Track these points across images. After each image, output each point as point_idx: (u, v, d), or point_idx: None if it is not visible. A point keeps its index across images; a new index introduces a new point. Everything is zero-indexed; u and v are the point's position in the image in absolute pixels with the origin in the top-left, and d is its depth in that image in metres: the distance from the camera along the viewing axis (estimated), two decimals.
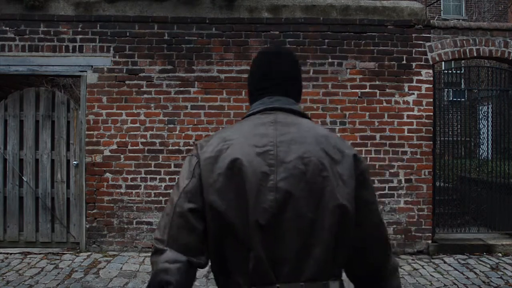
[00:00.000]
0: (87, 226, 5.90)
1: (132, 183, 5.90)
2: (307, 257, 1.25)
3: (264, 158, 1.27)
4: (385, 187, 5.98)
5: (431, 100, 6.05)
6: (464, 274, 5.26)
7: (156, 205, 5.90)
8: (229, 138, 1.32)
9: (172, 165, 5.91)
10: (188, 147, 5.91)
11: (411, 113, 6.01)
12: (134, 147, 5.91)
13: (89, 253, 5.80)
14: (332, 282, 1.27)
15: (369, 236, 1.36)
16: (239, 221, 1.24)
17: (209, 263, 1.35)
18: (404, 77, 6.03)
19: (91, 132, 5.90)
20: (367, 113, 5.99)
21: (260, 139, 1.30)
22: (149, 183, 5.91)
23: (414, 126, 6.01)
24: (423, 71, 6.03)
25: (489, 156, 7.28)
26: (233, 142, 1.30)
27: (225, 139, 1.32)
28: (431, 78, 6.05)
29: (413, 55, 6.03)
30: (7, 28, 5.86)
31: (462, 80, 8.47)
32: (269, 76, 1.43)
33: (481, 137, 7.48)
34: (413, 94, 6.02)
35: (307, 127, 1.35)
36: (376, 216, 1.37)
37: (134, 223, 5.91)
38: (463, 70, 8.55)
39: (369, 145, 5.98)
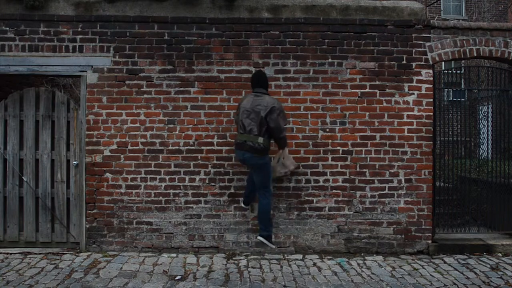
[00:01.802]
0: (87, 226, 5.90)
1: (132, 183, 5.91)
2: (254, 127, 5.17)
3: (247, 105, 5.27)
4: (385, 187, 5.99)
5: (431, 100, 6.06)
6: (464, 274, 5.26)
7: (156, 205, 5.91)
8: (242, 100, 5.50)
9: (172, 165, 5.91)
10: (188, 147, 5.92)
11: (411, 113, 6.02)
12: (134, 147, 5.92)
13: (89, 253, 5.81)
14: (262, 137, 5.19)
15: (271, 125, 5.16)
16: (241, 118, 5.27)
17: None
18: (404, 77, 6.03)
19: (91, 132, 5.90)
20: (367, 113, 6.00)
21: (249, 100, 5.31)
22: (149, 183, 5.91)
23: (414, 126, 6.01)
24: (423, 71, 6.04)
25: (489, 156, 7.27)
26: (243, 101, 5.39)
27: (241, 100, 5.50)
28: (431, 78, 6.06)
29: (413, 55, 6.03)
30: (7, 28, 5.87)
31: (462, 80, 8.45)
32: (256, 81, 5.45)
33: (481, 137, 7.47)
34: (413, 94, 6.03)
35: (266, 98, 5.28)
36: (274, 120, 5.14)
37: (134, 223, 5.91)
38: (463, 70, 8.53)
39: (369, 145, 5.99)
